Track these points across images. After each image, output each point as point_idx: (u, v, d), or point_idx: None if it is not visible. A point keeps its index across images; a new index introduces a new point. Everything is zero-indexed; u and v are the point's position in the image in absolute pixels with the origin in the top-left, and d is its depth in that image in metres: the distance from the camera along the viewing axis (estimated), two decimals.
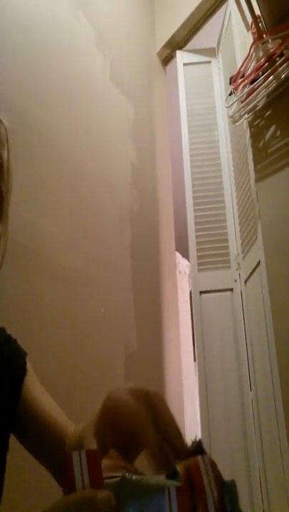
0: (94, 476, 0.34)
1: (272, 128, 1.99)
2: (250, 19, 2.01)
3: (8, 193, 0.69)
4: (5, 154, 0.67)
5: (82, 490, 0.34)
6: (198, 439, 0.44)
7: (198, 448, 0.43)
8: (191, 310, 2.54)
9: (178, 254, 3.09)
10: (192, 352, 3.07)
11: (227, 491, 0.38)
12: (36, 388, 0.76)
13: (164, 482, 0.36)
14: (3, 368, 0.73)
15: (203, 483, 0.37)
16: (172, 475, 0.37)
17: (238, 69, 2.10)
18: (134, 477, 0.36)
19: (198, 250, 2.32)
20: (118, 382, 1.88)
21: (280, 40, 1.88)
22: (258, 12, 1.96)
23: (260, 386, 1.88)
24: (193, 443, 0.44)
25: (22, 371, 0.77)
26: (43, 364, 1.53)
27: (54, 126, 1.84)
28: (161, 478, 0.37)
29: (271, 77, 1.91)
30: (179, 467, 0.38)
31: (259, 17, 1.97)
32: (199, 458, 0.39)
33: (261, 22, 1.97)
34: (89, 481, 0.34)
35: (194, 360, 2.49)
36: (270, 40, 1.93)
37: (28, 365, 0.78)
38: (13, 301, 1.44)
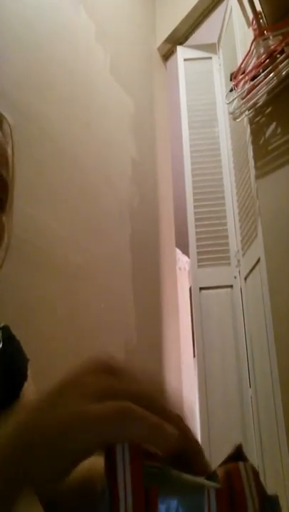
0: (135, 469, 0.33)
1: (273, 125, 1.99)
2: (251, 15, 2.00)
3: (13, 188, 0.69)
4: (9, 151, 0.67)
5: (123, 482, 0.32)
6: (238, 443, 0.40)
7: (238, 454, 0.40)
8: (191, 306, 2.54)
9: (178, 251, 3.10)
10: (192, 348, 3.08)
11: (270, 506, 0.36)
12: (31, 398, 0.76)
13: (203, 482, 0.35)
14: (3, 367, 0.73)
15: (244, 490, 0.35)
16: (210, 477, 0.36)
17: (238, 65, 2.09)
18: (173, 471, 0.35)
19: (198, 247, 2.32)
20: None
21: (281, 37, 1.88)
22: (259, 8, 1.95)
23: (260, 383, 1.89)
24: (233, 448, 0.41)
25: (23, 377, 0.76)
26: (43, 358, 1.53)
27: (54, 120, 1.84)
28: (199, 478, 0.36)
29: (272, 74, 1.91)
30: (219, 471, 0.37)
31: (260, 13, 1.96)
32: (241, 464, 0.38)
33: (262, 18, 1.96)
34: (130, 473, 0.33)
35: (194, 356, 2.50)
36: (271, 37, 1.93)
37: (29, 372, 0.78)
38: (13, 295, 1.44)
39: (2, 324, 0.78)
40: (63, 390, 0.35)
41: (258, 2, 1.93)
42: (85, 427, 0.32)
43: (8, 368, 0.74)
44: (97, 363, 0.38)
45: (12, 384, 0.73)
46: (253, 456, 1.94)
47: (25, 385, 0.75)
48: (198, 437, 2.01)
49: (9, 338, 0.77)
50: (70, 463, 0.32)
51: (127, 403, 0.33)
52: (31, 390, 0.76)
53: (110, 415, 0.32)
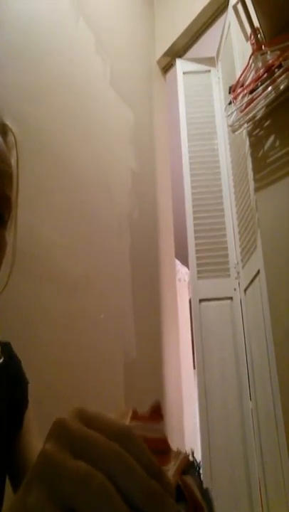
0: None
1: (272, 138, 2.01)
2: (249, 30, 2.03)
3: (16, 204, 0.68)
4: (13, 162, 0.67)
5: None
6: (189, 454, 0.42)
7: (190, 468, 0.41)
8: (191, 318, 2.54)
9: (177, 262, 3.10)
10: (192, 360, 3.08)
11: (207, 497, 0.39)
12: (33, 432, 0.75)
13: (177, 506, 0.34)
14: (4, 387, 0.73)
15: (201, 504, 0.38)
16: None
17: (237, 79, 2.11)
18: None
19: (197, 258, 2.33)
20: (117, 389, 1.89)
21: (278, 52, 1.90)
22: (256, 24, 1.97)
23: (260, 395, 1.89)
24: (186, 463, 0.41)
25: (24, 402, 0.76)
26: (42, 370, 1.54)
27: (54, 132, 1.86)
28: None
29: (270, 88, 1.93)
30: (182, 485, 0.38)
31: (258, 28, 1.99)
32: (190, 479, 0.39)
33: (260, 33, 1.99)
34: None
35: (194, 368, 2.50)
36: (268, 52, 1.95)
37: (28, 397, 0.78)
38: (13, 306, 1.44)
39: (3, 341, 0.78)
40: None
41: (255, 18, 1.96)
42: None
43: (10, 389, 0.74)
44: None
45: (15, 413, 0.74)
46: (254, 468, 1.94)
47: (27, 413, 0.76)
48: (199, 450, 1.99)
49: (11, 358, 0.77)
50: None
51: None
52: (30, 417, 0.77)
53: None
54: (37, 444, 0.74)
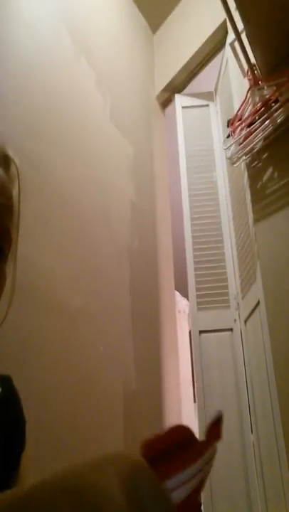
0: None
1: (270, 170, 2.03)
2: (246, 66, 2.08)
3: (17, 234, 0.68)
4: (15, 193, 0.67)
5: None
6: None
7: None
8: (191, 349, 2.53)
9: (177, 293, 3.10)
10: (192, 391, 3.04)
11: None
12: (28, 474, 0.74)
13: None
14: (2, 422, 0.71)
15: None
16: None
17: (235, 112, 2.15)
18: None
19: (197, 289, 2.33)
20: (117, 420, 1.86)
21: (274, 87, 1.94)
22: (253, 60, 2.03)
23: (262, 428, 1.86)
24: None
25: (22, 441, 0.75)
26: (42, 400, 1.52)
27: (54, 165, 1.88)
28: None
29: (268, 121, 1.96)
30: None
31: (254, 65, 2.04)
32: None
33: (256, 69, 2.04)
34: None
35: (194, 401, 2.47)
36: (265, 87, 1.99)
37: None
38: (12, 337, 1.44)
39: (3, 374, 0.76)
40: None
41: (251, 55, 2.01)
42: None
43: (10, 430, 0.72)
44: None
45: (12, 452, 0.72)
46: (257, 504, 1.90)
47: (23, 459, 0.74)
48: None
49: (11, 393, 0.76)
50: None
51: None
52: (27, 458, 0.75)
53: None
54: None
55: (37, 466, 0.80)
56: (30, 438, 0.79)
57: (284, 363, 1.73)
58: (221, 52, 2.59)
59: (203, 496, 2.01)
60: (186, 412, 2.63)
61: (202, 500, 2.12)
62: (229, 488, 1.97)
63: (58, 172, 1.89)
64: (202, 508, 2.14)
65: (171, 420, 2.21)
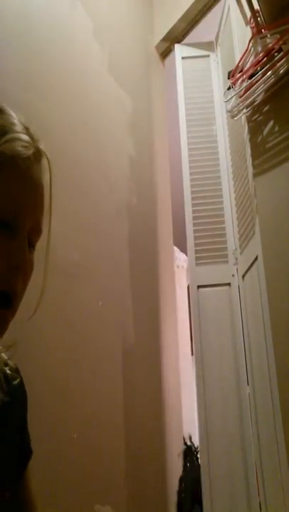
0: None
1: (271, 123, 1.99)
2: (248, 13, 2.00)
3: (49, 227, 0.72)
4: (46, 186, 0.70)
5: None
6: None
7: None
8: (189, 304, 2.55)
9: (176, 249, 3.10)
10: (190, 346, 3.08)
11: None
12: (31, 477, 0.79)
13: None
14: (19, 411, 0.76)
15: None
16: None
17: (236, 63, 2.09)
18: None
19: (196, 245, 2.32)
20: (116, 376, 1.90)
21: (278, 35, 1.88)
22: (256, 6, 1.95)
23: (258, 380, 1.89)
24: None
25: (29, 450, 0.80)
26: (42, 357, 1.54)
27: (52, 118, 1.84)
28: None
29: (270, 73, 1.90)
30: None
31: (258, 11, 1.96)
32: None
33: (260, 16, 1.96)
34: None
35: (192, 354, 2.50)
36: (268, 35, 1.92)
37: None
38: None
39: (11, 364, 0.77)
40: None
41: (255, 0, 1.93)
42: None
43: (19, 418, 0.77)
44: None
45: (21, 463, 0.77)
46: (251, 452, 1.95)
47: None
48: (197, 436, 2.00)
49: (20, 387, 0.78)
50: None
51: None
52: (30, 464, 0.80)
53: None
54: (32, 487, 0.78)
55: (34, 421, 0.82)
56: (29, 391, 0.81)
57: (281, 317, 1.75)
58: None
59: (200, 445, 2.07)
60: (183, 367, 2.68)
61: (198, 449, 2.18)
62: (225, 437, 2.02)
63: (55, 126, 1.85)
64: (198, 455, 2.21)
65: (168, 376, 2.25)
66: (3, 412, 0.70)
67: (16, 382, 0.75)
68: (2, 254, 0.61)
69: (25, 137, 0.66)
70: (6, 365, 0.75)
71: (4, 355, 0.75)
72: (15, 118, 0.68)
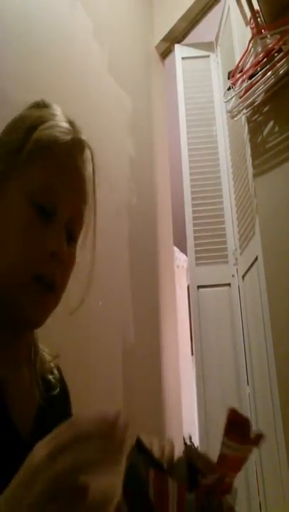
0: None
1: (271, 123, 1.99)
2: (248, 14, 2.00)
3: (94, 219, 0.70)
4: (89, 176, 0.69)
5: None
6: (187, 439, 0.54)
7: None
8: (189, 304, 2.55)
9: (176, 249, 3.10)
10: (190, 346, 3.09)
11: None
12: None
13: None
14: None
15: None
16: None
17: (236, 64, 2.09)
18: None
19: (196, 245, 2.33)
20: (116, 376, 1.89)
21: (278, 36, 1.88)
22: (256, 7, 1.95)
23: (257, 380, 1.89)
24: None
25: None
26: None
27: None
28: None
29: (270, 73, 1.91)
30: None
31: (258, 12, 1.96)
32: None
33: (260, 17, 1.96)
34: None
35: (192, 354, 2.50)
36: (268, 35, 1.93)
37: None
38: None
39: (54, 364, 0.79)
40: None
41: (255, 0, 1.93)
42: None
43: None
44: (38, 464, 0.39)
45: None
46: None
47: None
48: (197, 436, 2.00)
49: (63, 390, 0.78)
50: None
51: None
52: None
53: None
54: None
55: None
56: None
57: (281, 317, 1.75)
58: None
59: (200, 445, 2.07)
60: (183, 367, 2.68)
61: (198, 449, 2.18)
62: None
63: None
64: None
65: (168, 375, 2.25)
66: (38, 416, 0.67)
67: (55, 392, 0.74)
68: (39, 239, 0.61)
69: (64, 124, 0.67)
70: (52, 373, 0.76)
71: (51, 364, 0.77)
72: (58, 111, 0.69)
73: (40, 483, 0.37)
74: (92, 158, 0.71)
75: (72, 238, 0.67)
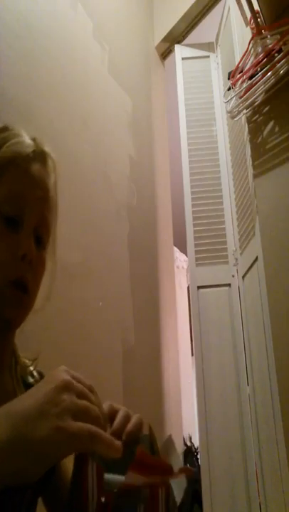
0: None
1: (271, 124, 1.99)
2: (248, 14, 2.00)
3: (55, 224, 0.78)
4: (52, 185, 0.75)
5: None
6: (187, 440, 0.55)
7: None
8: (189, 304, 2.55)
9: (176, 249, 3.10)
10: (190, 346, 3.09)
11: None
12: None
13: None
14: None
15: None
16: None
17: (236, 64, 2.09)
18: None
19: (196, 245, 2.33)
20: (116, 376, 1.89)
21: (278, 36, 1.88)
22: (256, 7, 1.95)
23: (257, 381, 1.89)
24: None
25: None
26: (40, 357, 1.53)
27: (52, 118, 1.84)
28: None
29: (270, 73, 1.91)
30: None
31: (258, 12, 1.96)
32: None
33: (260, 17, 1.96)
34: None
35: (192, 354, 2.50)
36: (268, 36, 1.93)
37: None
38: None
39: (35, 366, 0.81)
40: (44, 408, 0.45)
41: (255, 1, 1.93)
42: (63, 441, 0.44)
43: None
44: (66, 383, 0.49)
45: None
46: (251, 453, 1.95)
47: None
48: (197, 437, 2.00)
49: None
50: (49, 464, 0.44)
51: (95, 428, 0.46)
52: None
53: (83, 434, 0.45)
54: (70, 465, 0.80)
55: None
56: None
57: (281, 317, 1.75)
58: None
59: (200, 446, 2.07)
60: (183, 367, 2.68)
61: (198, 450, 2.18)
62: (225, 438, 2.02)
63: (56, 125, 1.85)
64: (198, 456, 2.21)
65: (168, 376, 2.25)
66: None
67: None
68: (10, 246, 0.66)
69: (26, 140, 0.72)
70: (32, 376, 0.79)
71: (31, 367, 0.79)
72: (20, 131, 0.73)
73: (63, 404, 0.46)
74: (55, 168, 0.77)
75: (40, 243, 0.73)
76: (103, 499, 0.49)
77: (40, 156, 0.73)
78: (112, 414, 0.61)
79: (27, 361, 0.80)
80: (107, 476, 0.50)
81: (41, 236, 0.73)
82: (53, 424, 0.44)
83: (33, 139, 0.74)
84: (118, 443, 0.47)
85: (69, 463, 0.80)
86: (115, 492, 0.49)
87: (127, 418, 0.61)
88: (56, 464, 0.75)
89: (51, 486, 0.76)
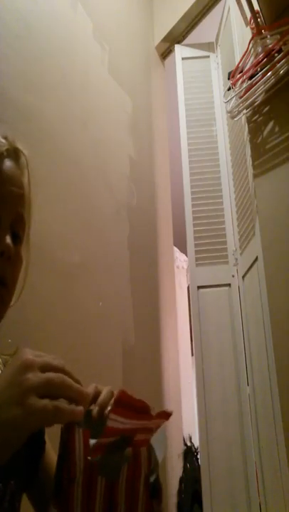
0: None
1: (271, 124, 1.99)
2: (249, 14, 2.00)
3: (30, 219, 0.79)
4: (25, 182, 0.76)
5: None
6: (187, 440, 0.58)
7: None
8: (189, 304, 2.55)
9: (176, 249, 3.10)
10: (190, 347, 3.09)
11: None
12: (50, 449, 0.82)
13: None
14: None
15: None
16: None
17: (236, 64, 2.09)
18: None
19: (196, 245, 2.33)
20: (116, 377, 1.89)
21: (278, 36, 1.88)
22: (256, 7, 1.95)
23: (257, 381, 1.89)
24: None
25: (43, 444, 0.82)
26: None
27: (52, 118, 1.84)
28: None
29: (270, 73, 1.91)
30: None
31: (258, 12, 1.96)
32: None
33: (260, 17, 1.96)
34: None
35: (192, 354, 2.50)
36: (268, 36, 1.93)
37: None
38: None
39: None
40: (8, 392, 0.48)
41: (255, 1, 1.93)
42: (27, 421, 0.46)
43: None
44: (26, 362, 0.50)
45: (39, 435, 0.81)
46: (251, 453, 1.95)
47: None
48: (197, 437, 1.99)
49: None
50: (15, 445, 0.47)
51: (57, 403, 0.48)
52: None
53: (47, 410, 0.47)
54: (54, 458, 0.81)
55: None
56: None
57: (281, 318, 1.75)
58: None
59: (200, 446, 2.07)
60: (183, 367, 2.68)
61: (198, 450, 2.18)
62: (226, 438, 2.02)
63: (56, 126, 1.85)
64: (198, 456, 2.21)
65: (168, 376, 2.25)
66: None
67: None
68: None
69: None
70: None
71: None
72: None
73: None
74: (28, 164, 0.77)
75: (17, 239, 0.74)
76: (90, 458, 0.52)
77: (13, 153, 0.74)
78: (98, 395, 0.65)
79: (7, 357, 0.82)
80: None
81: (17, 232, 0.74)
82: (16, 405, 0.46)
83: (5, 137, 0.74)
84: (80, 408, 0.50)
85: (53, 456, 0.81)
86: (100, 446, 0.52)
87: (111, 394, 0.65)
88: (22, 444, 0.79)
89: (36, 483, 0.77)
